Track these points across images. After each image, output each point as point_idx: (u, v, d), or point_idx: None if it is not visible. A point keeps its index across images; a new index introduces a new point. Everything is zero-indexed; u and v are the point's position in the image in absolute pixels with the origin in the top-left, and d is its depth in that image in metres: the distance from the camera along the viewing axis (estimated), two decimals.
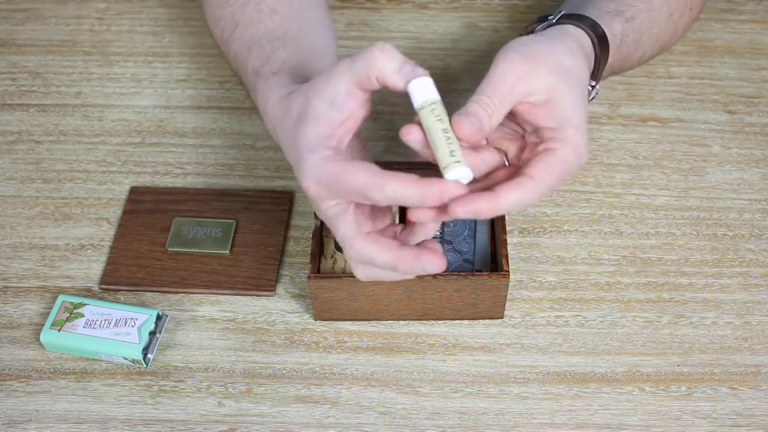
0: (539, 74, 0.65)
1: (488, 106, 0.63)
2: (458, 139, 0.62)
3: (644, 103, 0.91)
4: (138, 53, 0.97)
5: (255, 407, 0.73)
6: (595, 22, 0.71)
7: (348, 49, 0.97)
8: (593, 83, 0.73)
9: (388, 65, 0.64)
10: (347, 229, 0.63)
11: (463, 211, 0.60)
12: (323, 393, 0.74)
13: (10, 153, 0.89)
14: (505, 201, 0.61)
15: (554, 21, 0.71)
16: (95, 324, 0.75)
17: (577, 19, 0.71)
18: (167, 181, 0.86)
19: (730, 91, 0.92)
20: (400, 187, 0.60)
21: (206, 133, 0.90)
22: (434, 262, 0.61)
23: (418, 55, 0.96)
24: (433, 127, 0.61)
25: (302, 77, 0.71)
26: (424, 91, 0.62)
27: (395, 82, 0.63)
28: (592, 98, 0.74)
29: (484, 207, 0.61)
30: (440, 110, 0.61)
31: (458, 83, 0.94)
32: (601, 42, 0.71)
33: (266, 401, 0.73)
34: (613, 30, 0.73)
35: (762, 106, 0.91)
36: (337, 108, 0.65)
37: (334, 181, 0.62)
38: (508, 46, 0.67)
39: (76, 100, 0.93)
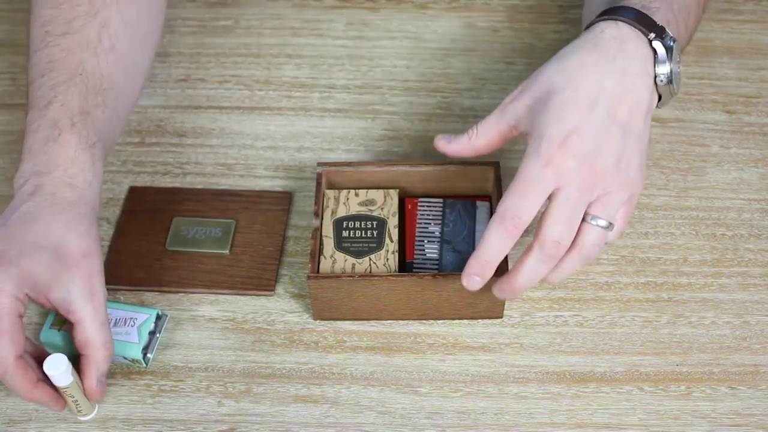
0: (523, 104, 0.70)
1: (471, 134, 0.72)
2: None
3: None
4: None
5: (254, 407, 0.73)
6: (615, 6, 0.71)
7: (347, 49, 0.97)
8: (651, 36, 0.70)
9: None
10: (6, 347, 0.66)
11: (465, 279, 0.69)
12: (323, 393, 0.74)
13: (10, 153, 0.89)
14: (480, 249, 0.68)
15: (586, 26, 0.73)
16: None
17: (604, 13, 0.71)
18: (167, 181, 0.86)
19: (729, 91, 0.92)
20: (18, 377, 0.67)
21: (205, 133, 0.90)
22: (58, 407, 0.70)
23: (418, 55, 0.96)
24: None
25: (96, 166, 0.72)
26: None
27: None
28: (672, 49, 0.70)
29: (472, 263, 0.69)
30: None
31: (458, 83, 0.94)
32: (624, 12, 0.70)
33: (266, 401, 0.73)
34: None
35: (761, 106, 0.91)
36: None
37: None
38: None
39: None
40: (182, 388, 0.74)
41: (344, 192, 0.79)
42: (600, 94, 0.68)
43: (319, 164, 0.80)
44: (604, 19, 0.71)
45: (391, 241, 0.77)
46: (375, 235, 0.77)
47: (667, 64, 0.70)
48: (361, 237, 0.77)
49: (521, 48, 0.96)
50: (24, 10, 1.01)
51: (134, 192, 0.85)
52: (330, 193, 0.79)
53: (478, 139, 0.72)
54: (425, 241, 0.78)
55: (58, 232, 0.68)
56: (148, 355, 0.75)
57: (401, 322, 0.77)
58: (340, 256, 0.77)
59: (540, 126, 0.67)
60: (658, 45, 0.70)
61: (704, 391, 0.73)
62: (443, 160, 0.78)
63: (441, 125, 0.90)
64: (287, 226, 0.83)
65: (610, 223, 0.68)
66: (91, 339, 0.68)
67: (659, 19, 0.71)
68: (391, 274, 0.74)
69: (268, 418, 0.72)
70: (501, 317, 0.77)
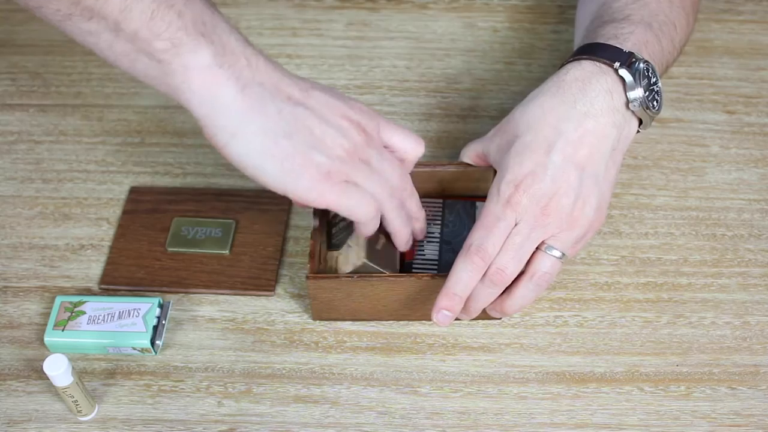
0: (494, 143, 0.76)
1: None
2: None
3: None
4: None
5: (254, 407, 0.73)
6: (589, 44, 0.74)
7: (347, 49, 0.97)
8: (617, 65, 0.71)
9: None
10: None
11: (435, 314, 0.71)
12: (323, 393, 0.74)
13: (10, 153, 0.89)
14: (449, 281, 0.71)
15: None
16: (99, 319, 0.75)
17: (580, 52, 0.74)
18: (167, 181, 0.87)
19: (729, 91, 0.92)
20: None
21: None
22: None
23: (418, 55, 0.96)
24: None
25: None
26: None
27: None
28: (650, 74, 0.72)
29: (441, 296, 0.71)
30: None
31: (458, 83, 0.94)
32: (591, 49, 0.73)
33: (266, 401, 0.73)
34: (605, 33, 0.75)
35: (761, 106, 0.91)
36: None
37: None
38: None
39: (76, 100, 0.93)
40: (182, 389, 0.74)
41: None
42: (558, 138, 0.70)
43: None
44: (570, 60, 0.73)
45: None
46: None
47: (637, 89, 0.71)
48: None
49: (521, 48, 0.96)
50: (24, 10, 1.01)
51: (134, 192, 0.85)
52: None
53: (465, 159, 0.80)
54: (424, 242, 0.78)
55: None
56: (157, 342, 0.75)
57: (401, 322, 0.77)
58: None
59: (502, 168, 0.71)
60: (624, 73, 0.71)
61: (704, 392, 0.73)
62: (443, 160, 0.78)
63: (441, 125, 0.90)
64: (287, 227, 0.83)
65: (564, 254, 0.71)
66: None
67: (630, 45, 0.73)
68: (391, 274, 0.74)
69: (268, 418, 0.72)
70: (500, 318, 0.77)
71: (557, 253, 0.71)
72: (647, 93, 0.72)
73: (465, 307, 0.72)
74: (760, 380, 0.74)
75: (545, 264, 0.71)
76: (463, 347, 0.76)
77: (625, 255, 0.81)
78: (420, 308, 0.76)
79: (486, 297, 0.71)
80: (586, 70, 0.72)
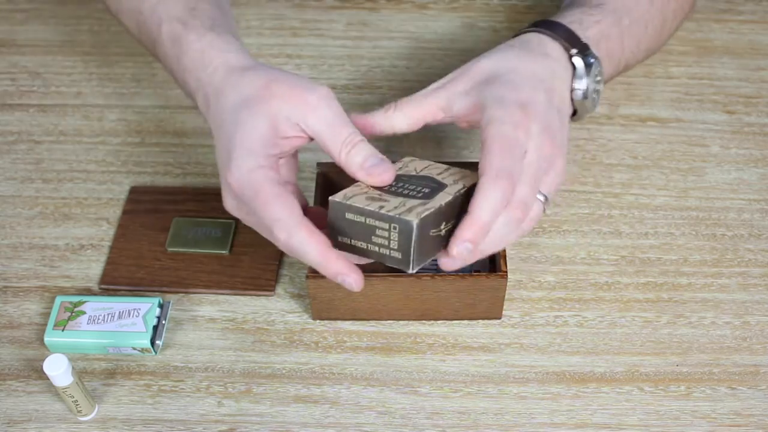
0: (454, 87, 0.68)
1: (388, 109, 0.67)
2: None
3: (643, 104, 0.91)
4: (138, 53, 0.97)
5: (254, 407, 0.73)
6: (549, 20, 0.72)
7: (347, 49, 0.97)
8: (574, 51, 0.71)
9: (356, 158, 0.64)
10: (278, 211, 0.62)
11: (456, 248, 0.62)
12: (323, 393, 0.74)
13: (10, 153, 0.89)
14: (478, 211, 0.61)
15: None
16: (99, 319, 0.75)
17: (536, 25, 0.72)
18: (167, 181, 0.87)
19: (729, 91, 0.92)
20: (306, 245, 0.61)
21: (206, 133, 0.90)
22: (355, 283, 0.63)
23: (418, 55, 0.96)
24: None
25: (239, 42, 0.69)
26: None
27: (352, 169, 0.64)
28: (592, 70, 0.71)
29: (465, 229, 0.61)
30: None
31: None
32: (555, 27, 0.71)
33: (266, 401, 0.73)
34: (571, 17, 0.73)
35: (761, 106, 0.91)
36: (297, 128, 0.64)
37: (254, 199, 0.62)
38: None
39: (76, 100, 0.93)
40: (182, 389, 0.74)
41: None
42: (538, 83, 0.68)
43: (319, 164, 0.80)
44: (530, 30, 0.72)
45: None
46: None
47: (584, 79, 0.71)
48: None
49: None
50: (24, 10, 1.01)
51: (134, 192, 0.85)
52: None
53: (395, 115, 0.69)
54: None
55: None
56: (157, 342, 0.75)
57: (401, 322, 0.77)
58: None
59: (493, 98, 0.65)
60: (577, 60, 0.71)
61: (704, 392, 0.73)
62: (442, 160, 0.78)
63: (441, 125, 0.89)
64: None
65: (547, 198, 0.67)
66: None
67: (590, 34, 0.72)
68: (390, 274, 0.74)
69: (268, 418, 0.72)
70: (500, 318, 0.77)
71: (542, 198, 0.66)
72: (587, 87, 0.71)
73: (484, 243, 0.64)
74: (760, 380, 0.74)
75: (535, 210, 0.65)
76: (463, 347, 0.76)
77: (625, 255, 0.81)
78: (420, 308, 0.76)
79: (503, 235, 0.64)
80: (545, 43, 0.70)
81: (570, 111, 0.72)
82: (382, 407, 0.73)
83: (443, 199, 0.64)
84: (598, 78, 0.73)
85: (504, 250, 0.74)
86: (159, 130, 0.91)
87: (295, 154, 0.68)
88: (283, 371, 0.75)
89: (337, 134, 0.64)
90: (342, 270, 0.62)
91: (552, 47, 0.71)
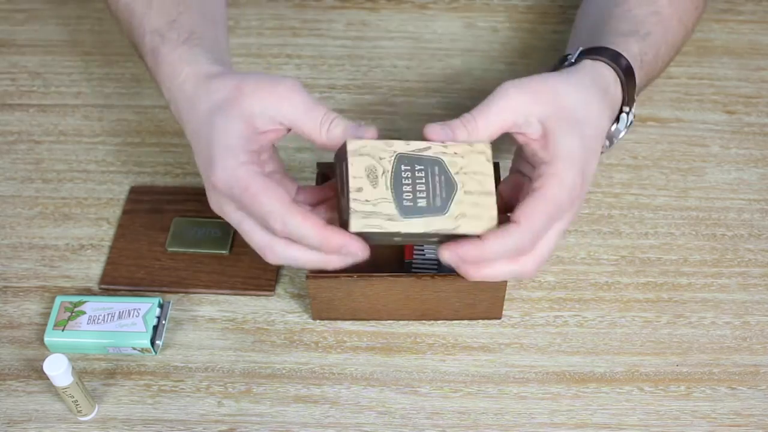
0: (535, 106, 0.64)
1: (469, 122, 0.64)
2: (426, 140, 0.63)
3: (643, 103, 0.91)
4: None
5: (254, 407, 0.73)
6: (616, 51, 0.70)
7: (347, 49, 0.97)
8: (627, 109, 0.71)
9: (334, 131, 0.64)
10: (268, 201, 0.62)
11: (449, 254, 0.62)
12: (323, 393, 0.74)
13: (10, 153, 0.89)
14: (491, 247, 0.61)
15: (573, 60, 0.70)
16: (99, 319, 0.75)
17: (595, 52, 0.70)
18: (167, 181, 0.87)
19: (729, 91, 0.92)
20: (303, 228, 0.61)
21: None
22: (360, 251, 0.62)
23: (418, 55, 0.96)
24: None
25: (214, 53, 0.70)
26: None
27: (321, 139, 0.64)
28: (629, 124, 0.72)
29: (469, 251, 0.61)
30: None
31: (458, 83, 0.94)
32: (626, 71, 0.70)
33: (266, 401, 0.73)
34: (631, 52, 0.72)
35: (761, 106, 0.91)
36: (272, 120, 0.64)
37: (243, 195, 0.62)
38: (514, 79, 0.66)
39: (76, 100, 0.93)
40: (182, 388, 0.74)
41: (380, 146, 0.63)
42: (601, 139, 0.67)
43: (319, 164, 0.80)
44: (601, 60, 0.70)
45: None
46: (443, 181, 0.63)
47: (622, 132, 0.72)
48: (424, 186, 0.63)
49: (521, 48, 0.96)
50: (24, 10, 1.01)
51: (134, 192, 0.85)
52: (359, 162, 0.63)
53: (477, 132, 0.65)
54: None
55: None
56: (157, 342, 0.75)
57: (401, 322, 0.77)
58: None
59: (566, 148, 0.64)
60: (623, 116, 0.71)
61: (704, 392, 0.73)
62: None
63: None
64: None
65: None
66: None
67: (640, 77, 0.72)
68: (390, 274, 0.74)
69: (268, 418, 0.72)
70: (500, 318, 0.77)
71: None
72: (621, 134, 0.73)
73: (478, 270, 0.64)
74: (760, 380, 0.74)
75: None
76: (463, 347, 0.76)
77: (625, 255, 0.81)
78: (420, 308, 0.76)
79: (501, 274, 0.64)
80: (610, 85, 0.69)
81: None
82: (382, 407, 0.73)
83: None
84: (629, 125, 0.73)
85: None
86: (159, 130, 0.91)
87: (274, 148, 0.68)
88: (283, 371, 0.75)
89: (313, 116, 0.64)
90: (344, 242, 0.62)
91: (616, 89, 0.70)
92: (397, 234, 0.62)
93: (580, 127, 0.65)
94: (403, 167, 0.62)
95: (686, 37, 0.83)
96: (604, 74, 0.69)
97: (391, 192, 0.62)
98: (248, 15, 1.00)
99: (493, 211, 0.62)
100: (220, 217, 0.82)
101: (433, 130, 0.64)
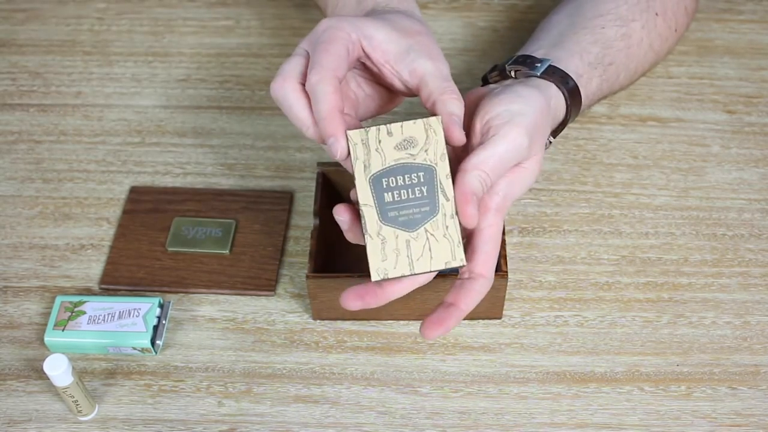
0: (521, 136, 0.65)
1: (486, 181, 0.63)
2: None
3: (644, 103, 0.91)
4: (138, 53, 0.97)
5: (255, 407, 0.73)
6: (576, 86, 0.72)
7: None
8: (551, 139, 0.73)
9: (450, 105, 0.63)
10: (327, 62, 0.63)
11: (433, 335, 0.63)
12: (323, 393, 0.74)
13: (10, 153, 0.89)
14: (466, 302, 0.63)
15: (538, 75, 0.71)
16: (99, 319, 0.75)
17: (560, 80, 0.71)
18: (167, 181, 0.87)
19: (729, 91, 0.92)
20: (321, 98, 0.62)
21: (206, 132, 0.90)
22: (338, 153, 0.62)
23: None
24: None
25: None
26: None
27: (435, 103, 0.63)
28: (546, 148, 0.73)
29: (452, 323, 0.63)
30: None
31: (458, 83, 0.93)
32: (573, 101, 0.72)
33: (266, 401, 0.73)
34: (589, 89, 0.75)
35: (761, 106, 0.91)
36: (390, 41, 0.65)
37: (325, 41, 0.64)
38: (508, 110, 0.66)
39: (76, 100, 0.93)
40: (182, 388, 0.74)
41: (373, 132, 0.62)
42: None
43: (319, 164, 0.80)
44: (558, 85, 0.71)
45: (447, 199, 0.61)
46: (425, 193, 0.61)
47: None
48: (408, 198, 0.61)
49: (521, 48, 0.96)
50: (24, 10, 1.01)
51: (135, 192, 0.85)
52: (355, 136, 0.62)
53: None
54: None
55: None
56: (157, 341, 0.75)
57: (401, 322, 0.77)
58: (389, 232, 0.61)
59: (518, 111, 0.66)
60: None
61: (704, 392, 0.73)
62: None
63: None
64: (287, 227, 0.83)
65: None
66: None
67: (588, 92, 0.74)
68: None
69: (268, 418, 0.72)
70: (500, 318, 0.77)
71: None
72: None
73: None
74: (761, 380, 0.74)
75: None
76: (463, 347, 0.76)
77: (626, 255, 0.81)
78: (420, 308, 0.76)
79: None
80: (559, 110, 0.71)
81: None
82: (382, 407, 0.73)
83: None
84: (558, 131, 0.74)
85: (504, 250, 0.73)
86: (159, 130, 0.91)
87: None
88: (284, 371, 0.75)
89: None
90: (333, 134, 0.61)
91: (558, 99, 0.71)
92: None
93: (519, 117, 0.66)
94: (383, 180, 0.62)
95: (656, 62, 0.85)
96: (558, 105, 0.71)
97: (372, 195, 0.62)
98: (248, 15, 1.00)
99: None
100: (220, 217, 0.83)
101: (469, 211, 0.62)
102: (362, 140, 0.62)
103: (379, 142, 0.62)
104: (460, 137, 0.62)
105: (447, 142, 0.62)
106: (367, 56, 0.65)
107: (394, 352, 0.76)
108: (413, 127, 0.62)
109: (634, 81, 0.84)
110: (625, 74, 0.80)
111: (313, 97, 0.62)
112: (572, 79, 0.72)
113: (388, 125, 0.62)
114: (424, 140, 0.62)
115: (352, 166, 0.62)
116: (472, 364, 0.75)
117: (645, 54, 0.81)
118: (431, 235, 0.61)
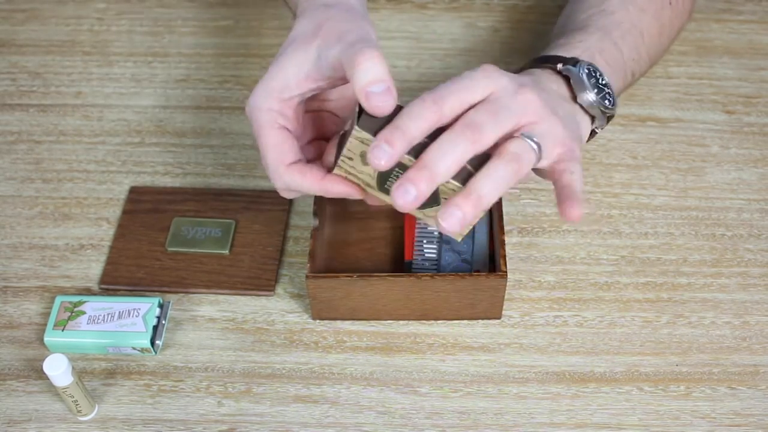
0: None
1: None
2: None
3: (643, 103, 0.91)
4: (137, 53, 0.97)
5: (254, 407, 0.73)
6: (563, 57, 0.73)
7: None
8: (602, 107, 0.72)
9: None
10: (273, 158, 0.66)
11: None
12: (323, 393, 0.74)
13: (10, 153, 0.89)
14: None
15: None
16: (99, 319, 0.75)
17: (547, 65, 0.72)
18: (167, 181, 0.87)
19: (728, 91, 0.92)
20: (304, 184, 0.66)
21: (205, 133, 0.90)
22: (358, 192, 0.66)
23: (418, 55, 0.96)
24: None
25: None
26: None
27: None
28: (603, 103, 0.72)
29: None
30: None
31: None
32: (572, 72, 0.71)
33: (266, 401, 0.73)
34: (590, 42, 0.75)
35: (761, 106, 0.91)
36: (329, 67, 0.66)
37: (257, 129, 0.67)
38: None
39: (76, 100, 0.93)
40: (182, 388, 0.74)
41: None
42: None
43: None
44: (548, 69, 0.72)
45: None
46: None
47: (586, 86, 0.70)
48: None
49: (521, 48, 0.96)
50: (24, 10, 1.01)
51: (134, 192, 0.85)
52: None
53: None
54: (424, 241, 0.78)
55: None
56: (157, 342, 0.75)
57: (401, 322, 0.77)
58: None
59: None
60: (566, 69, 0.71)
61: (704, 391, 0.73)
62: None
63: None
64: (287, 227, 0.83)
65: (540, 147, 0.62)
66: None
67: (579, 53, 0.73)
68: (390, 274, 0.74)
69: (268, 418, 0.72)
70: (499, 318, 0.77)
71: (533, 144, 0.62)
72: (596, 90, 0.71)
73: (423, 164, 0.60)
74: (760, 380, 0.74)
75: (518, 145, 0.61)
76: (462, 347, 0.76)
77: (625, 255, 0.81)
78: (420, 308, 0.76)
79: (458, 152, 0.59)
80: (535, 72, 0.71)
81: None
82: (382, 407, 0.73)
83: None
84: (603, 81, 0.72)
85: (503, 250, 0.74)
86: (159, 130, 0.91)
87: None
88: (283, 371, 0.75)
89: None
90: (345, 191, 0.66)
91: (539, 73, 0.71)
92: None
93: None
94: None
95: (659, 27, 0.82)
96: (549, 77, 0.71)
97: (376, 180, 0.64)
98: (248, 15, 1.00)
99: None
100: (220, 217, 0.83)
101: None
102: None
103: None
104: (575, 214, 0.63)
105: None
106: (299, 95, 0.68)
107: (394, 352, 0.76)
108: None
109: (659, 47, 0.83)
110: (631, 35, 0.78)
111: (291, 182, 0.67)
112: (559, 57, 0.72)
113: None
114: None
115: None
116: (472, 364, 0.75)
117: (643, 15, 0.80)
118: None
